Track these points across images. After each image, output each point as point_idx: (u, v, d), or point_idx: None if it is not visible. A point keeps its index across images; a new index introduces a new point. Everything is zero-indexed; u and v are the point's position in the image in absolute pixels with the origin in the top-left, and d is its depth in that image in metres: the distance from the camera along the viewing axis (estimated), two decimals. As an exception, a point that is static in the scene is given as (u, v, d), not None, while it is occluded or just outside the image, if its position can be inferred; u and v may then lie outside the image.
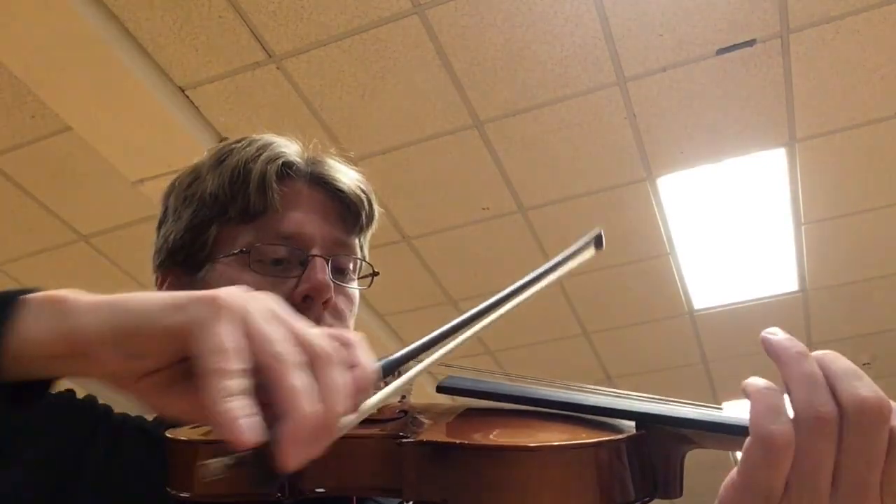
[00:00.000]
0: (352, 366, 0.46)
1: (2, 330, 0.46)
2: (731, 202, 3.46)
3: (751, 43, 2.69)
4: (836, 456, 0.48)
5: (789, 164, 3.24)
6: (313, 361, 0.44)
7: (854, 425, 0.47)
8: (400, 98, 2.88)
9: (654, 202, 3.44)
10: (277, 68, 2.74)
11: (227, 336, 0.43)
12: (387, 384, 0.54)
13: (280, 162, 0.84)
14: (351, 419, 0.47)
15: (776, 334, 0.51)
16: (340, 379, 0.44)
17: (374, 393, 0.51)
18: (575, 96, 2.91)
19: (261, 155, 0.84)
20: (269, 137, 0.87)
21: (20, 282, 3.75)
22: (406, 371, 0.57)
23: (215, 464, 0.42)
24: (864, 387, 0.48)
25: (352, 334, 0.48)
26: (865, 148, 3.16)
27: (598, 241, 0.76)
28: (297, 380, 0.42)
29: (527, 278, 0.66)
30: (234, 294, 0.45)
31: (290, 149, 0.86)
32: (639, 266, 3.81)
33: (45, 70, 2.53)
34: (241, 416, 0.40)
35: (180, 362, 0.45)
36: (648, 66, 2.79)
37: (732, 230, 3.65)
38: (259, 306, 0.45)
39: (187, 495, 0.59)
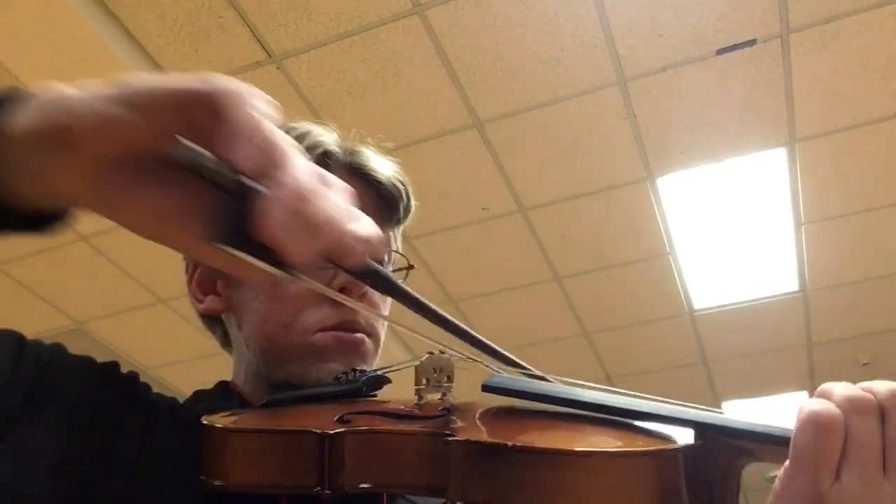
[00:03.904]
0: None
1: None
2: (732, 202, 3.46)
3: (751, 43, 2.69)
4: (883, 436, 0.48)
5: (789, 164, 3.23)
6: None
7: None
8: (400, 98, 2.88)
9: (654, 202, 3.43)
10: (277, 68, 2.74)
11: (258, 108, 0.42)
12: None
13: (320, 150, 0.82)
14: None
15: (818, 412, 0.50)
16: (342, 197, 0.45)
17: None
18: (575, 96, 2.90)
19: (300, 143, 0.82)
20: (308, 126, 0.85)
21: (20, 282, 3.75)
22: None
23: (195, 153, 0.40)
24: None
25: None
26: (865, 148, 3.15)
27: None
28: (299, 162, 0.42)
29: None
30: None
31: (328, 137, 0.84)
32: (639, 266, 3.81)
33: (45, 70, 2.53)
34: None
35: (156, 160, 0.42)
36: (648, 66, 2.78)
37: (732, 230, 3.65)
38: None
39: (221, 483, 0.58)
